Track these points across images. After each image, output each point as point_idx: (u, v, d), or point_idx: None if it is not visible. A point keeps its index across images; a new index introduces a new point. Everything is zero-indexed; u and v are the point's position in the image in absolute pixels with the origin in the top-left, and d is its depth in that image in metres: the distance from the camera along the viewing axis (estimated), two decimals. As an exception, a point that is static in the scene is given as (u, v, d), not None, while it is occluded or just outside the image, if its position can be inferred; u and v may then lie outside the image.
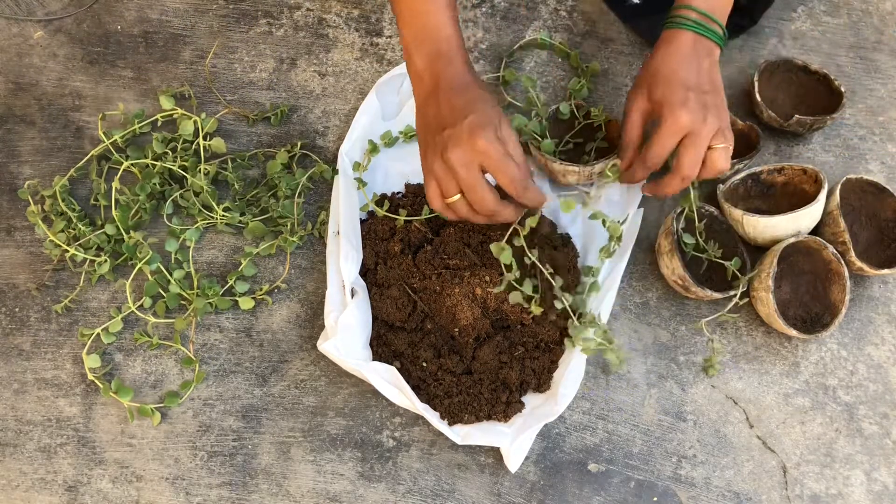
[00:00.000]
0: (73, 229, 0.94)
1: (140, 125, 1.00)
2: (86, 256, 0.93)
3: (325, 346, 0.85)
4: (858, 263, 0.91)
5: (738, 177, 0.96)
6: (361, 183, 0.94)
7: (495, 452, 0.87)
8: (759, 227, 0.91)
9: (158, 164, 0.96)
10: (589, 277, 0.90)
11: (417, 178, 0.99)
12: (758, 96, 0.99)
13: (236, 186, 0.97)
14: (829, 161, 1.02)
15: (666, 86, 0.83)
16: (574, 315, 0.86)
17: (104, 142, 0.98)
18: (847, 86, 1.06)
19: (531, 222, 0.84)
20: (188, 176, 0.96)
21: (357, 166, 0.96)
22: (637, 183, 0.90)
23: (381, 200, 0.96)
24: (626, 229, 0.95)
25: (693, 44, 0.85)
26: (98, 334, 0.91)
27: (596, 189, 0.97)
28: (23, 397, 0.90)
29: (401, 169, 0.99)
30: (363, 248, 0.92)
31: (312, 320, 0.93)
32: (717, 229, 0.95)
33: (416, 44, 0.82)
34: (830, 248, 0.90)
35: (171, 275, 0.93)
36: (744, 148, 0.98)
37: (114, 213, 0.94)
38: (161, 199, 0.97)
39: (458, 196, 0.78)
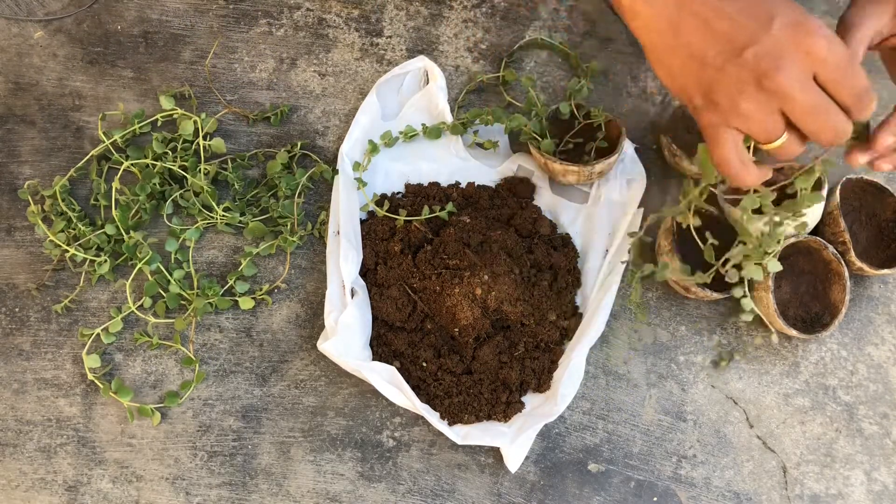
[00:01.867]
0: (73, 229, 0.94)
1: (140, 125, 1.00)
2: (86, 256, 0.93)
3: (325, 346, 0.85)
4: (858, 263, 0.91)
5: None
6: (361, 183, 0.94)
7: (495, 452, 0.87)
8: (759, 226, 0.90)
9: (158, 164, 0.96)
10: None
11: (417, 178, 0.99)
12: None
13: (236, 186, 0.97)
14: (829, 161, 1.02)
15: None
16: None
17: (104, 142, 0.98)
18: (847, 86, 1.05)
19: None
20: (188, 176, 0.96)
21: (357, 166, 0.96)
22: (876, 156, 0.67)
23: (381, 200, 0.96)
24: (625, 230, 0.95)
25: None
26: (98, 334, 0.91)
27: (596, 188, 0.98)
28: (23, 397, 0.90)
29: (401, 169, 0.99)
30: (363, 248, 0.92)
31: (312, 320, 0.93)
32: (717, 229, 0.95)
33: None
34: (830, 248, 0.90)
35: (171, 275, 0.93)
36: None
37: (114, 213, 0.94)
38: (161, 199, 0.97)
39: (786, 136, 0.58)
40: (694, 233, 0.74)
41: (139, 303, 0.92)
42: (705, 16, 0.56)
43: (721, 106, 0.58)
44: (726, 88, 0.57)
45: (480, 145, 1.00)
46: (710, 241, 0.75)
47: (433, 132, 0.98)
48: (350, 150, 0.96)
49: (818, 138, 0.58)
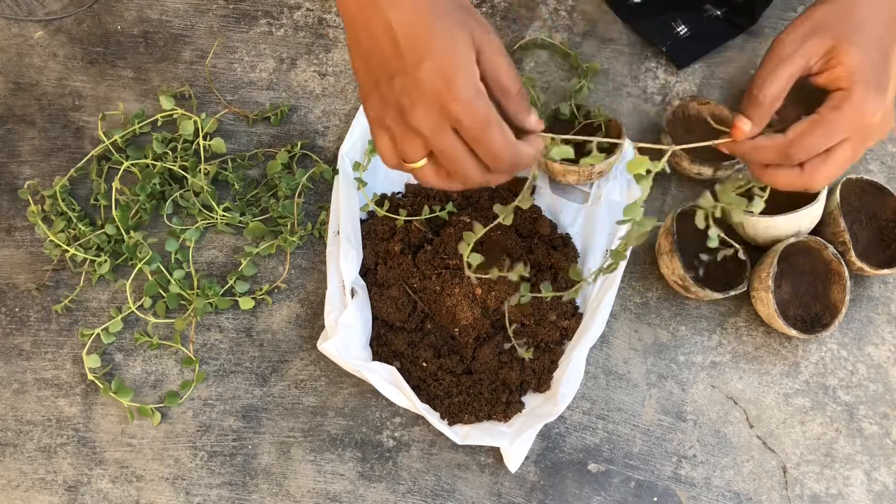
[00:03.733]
0: (73, 229, 0.94)
1: (140, 125, 1.00)
2: (86, 256, 0.93)
3: (325, 346, 0.85)
4: (858, 263, 0.91)
5: (739, 177, 0.96)
6: (361, 183, 0.94)
7: (495, 452, 0.87)
8: (759, 227, 0.91)
9: (158, 164, 0.96)
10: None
11: (417, 178, 0.99)
12: (758, 96, 0.99)
13: (236, 186, 0.97)
14: (829, 161, 1.02)
15: (858, 43, 0.60)
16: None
17: (104, 142, 0.98)
18: (847, 86, 1.06)
19: (523, 202, 0.66)
20: (188, 176, 0.96)
21: (357, 166, 0.96)
22: (753, 163, 0.67)
23: (381, 200, 0.96)
24: (625, 230, 0.95)
25: None
26: (98, 334, 0.91)
27: (596, 188, 0.97)
28: (23, 397, 0.90)
29: (401, 169, 0.99)
30: (363, 248, 0.92)
31: (312, 320, 0.93)
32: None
33: None
34: (830, 248, 0.90)
35: (171, 275, 0.93)
36: (744, 148, 0.98)
37: (114, 213, 0.94)
38: (161, 199, 0.97)
39: (424, 161, 0.59)
40: (713, 225, 0.69)
41: (139, 303, 0.92)
42: (376, 28, 0.55)
43: (371, 109, 0.59)
44: (376, 101, 0.58)
45: None
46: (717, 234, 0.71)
47: None
48: (350, 150, 0.96)
49: (456, 180, 0.59)
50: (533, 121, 0.60)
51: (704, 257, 0.91)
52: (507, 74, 0.57)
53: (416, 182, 0.98)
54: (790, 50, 0.63)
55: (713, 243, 0.68)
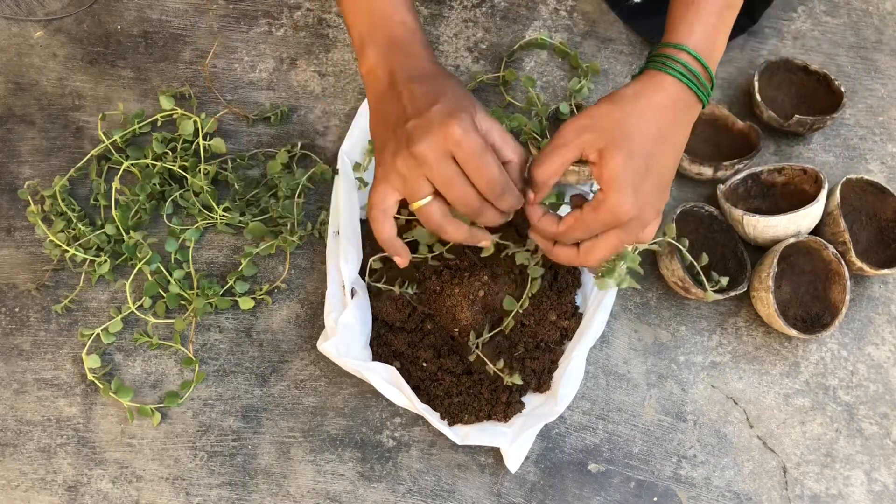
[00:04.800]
0: (73, 229, 0.94)
1: (140, 125, 1.00)
2: (86, 256, 0.93)
3: (325, 346, 0.85)
4: (858, 263, 0.91)
5: (738, 177, 0.96)
6: (362, 183, 0.94)
7: (495, 452, 0.87)
8: (759, 227, 0.91)
9: (158, 164, 0.96)
10: None
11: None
12: (758, 96, 0.99)
13: (236, 186, 0.97)
14: (829, 161, 1.02)
15: (624, 150, 0.68)
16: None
17: (104, 142, 0.98)
18: (847, 86, 1.06)
19: (485, 251, 0.76)
20: (188, 176, 0.96)
21: (357, 167, 0.96)
22: (541, 239, 0.78)
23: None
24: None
25: (675, 98, 0.71)
26: (98, 334, 0.91)
27: (597, 186, 0.97)
28: (23, 397, 0.90)
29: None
30: (363, 247, 0.92)
31: (312, 320, 0.93)
32: (717, 229, 0.95)
33: (367, 35, 0.72)
34: (830, 248, 0.90)
35: (171, 275, 0.93)
36: (744, 148, 0.98)
37: (114, 213, 0.94)
38: (161, 199, 0.97)
39: (430, 198, 0.68)
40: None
41: (139, 303, 0.92)
42: (399, 88, 0.69)
43: (384, 164, 0.70)
44: (390, 147, 0.69)
45: None
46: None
47: None
48: (350, 150, 0.96)
49: (457, 207, 0.69)
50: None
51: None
52: (501, 132, 0.70)
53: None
54: (568, 139, 0.70)
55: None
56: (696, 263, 0.81)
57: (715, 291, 0.89)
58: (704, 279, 0.83)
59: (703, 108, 0.75)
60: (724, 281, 0.82)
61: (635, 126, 0.69)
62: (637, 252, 0.74)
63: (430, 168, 0.66)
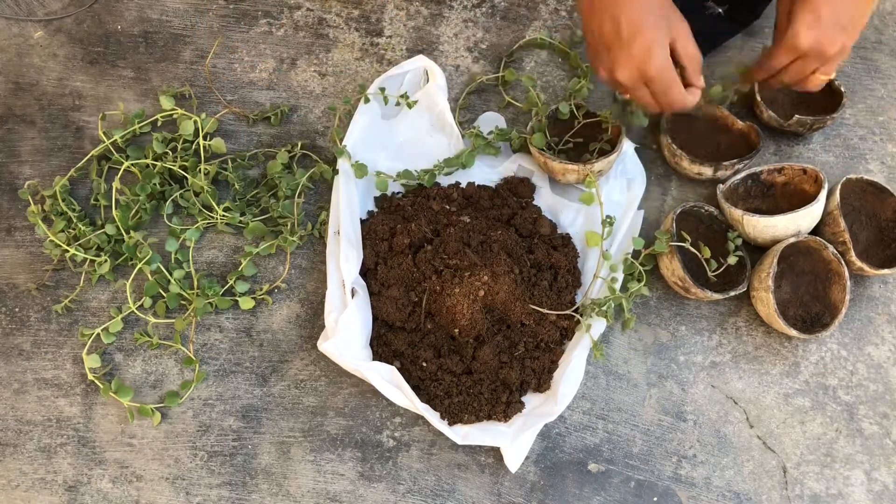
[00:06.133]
0: (73, 229, 0.94)
1: (140, 125, 1.00)
2: (86, 256, 0.93)
3: (325, 346, 0.85)
4: (858, 263, 0.91)
5: (738, 177, 0.96)
6: (360, 170, 0.94)
7: (495, 452, 0.87)
8: (759, 227, 0.91)
9: (158, 164, 0.96)
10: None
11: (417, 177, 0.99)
12: (758, 96, 0.99)
13: (236, 186, 0.97)
14: (829, 161, 1.02)
15: (804, 2, 0.83)
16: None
17: (104, 142, 0.98)
18: (847, 86, 1.06)
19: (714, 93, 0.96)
20: (188, 176, 0.96)
21: (358, 169, 0.96)
22: (752, 82, 0.95)
23: (381, 199, 0.96)
24: (626, 230, 0.95)
25: None
26: (98, 334, 0.91)
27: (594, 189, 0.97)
28: (23, 397, 0.90)
29: (400, 168, 0.99)
30: (363, 247, 0.92)
31: (312, 320, 0.93)
32: (717, 229, 0.95)
33: None
34: (830, 248, 0.90)
35: (171, 275, 0.93)
36: (744, 148, 0.98)
37: (114, 213, 0.94)
38: (161, 199, 0.97)
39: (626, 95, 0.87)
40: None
41: (139, 303, 0.92)
42: (602, 11, 0.82)
43: (595, 67, 0.87)
44: (598, 62, 0.85)
45: (489, 143, 0.99)
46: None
47: (469, 159, 0.98)
48: (350, 149, 0.96)
49: (642, 106, 0.88)
50: (699, 82, 0.85)
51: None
52: (690, 54, 0.83)
53: (416, 182, 0.98)
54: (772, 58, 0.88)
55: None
56: (699, 254, 0.87)
57: (715, 291, 0.89)
58: (707, 268, 0.88)
59: None
60: (733, 259, 0.90)
61: None
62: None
63: (626, 89, 0.84)
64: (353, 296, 0.88)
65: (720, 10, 1.07)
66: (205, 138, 0.98)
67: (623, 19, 0.80)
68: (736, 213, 0.92)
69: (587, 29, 0.86)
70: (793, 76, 0.88)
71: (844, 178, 0.94)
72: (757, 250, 0.95)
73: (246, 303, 0.92)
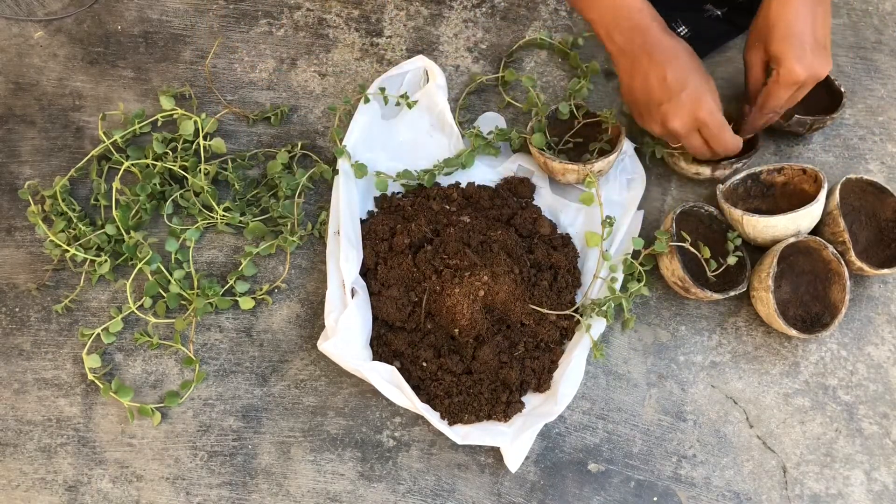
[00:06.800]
0: (74, 229, 0.94)
1: (140, 125, 1.00)
2: (86, 256, 0.93)
3: (325, 346, 0.85)
4: (858, 263, 0.91)
5: (738, 177, 0.96)
6: (360, 170, 0.94)
7: (495, 452, 0.87)
8: (759, 227, 0.91)
9: (159, 164, 0.96)
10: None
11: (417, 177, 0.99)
12: (758, 96, 0.99)
13: (236, 186, 0.97)
14: (828, 161, 1.02)
15: (782, 41, 0.85)
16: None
17: (104, 142, 0.98)
18: (847, 86, 1.06)
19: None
20: (188, 176, 0.96)
21: (358, 169, 0.96)
22: (754, 132, 0.96)
23: (382, 199, 0.96)
24: (626, 230, 0.95)
25: None
26: (98, 334, 0.91)
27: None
28: (23, 397, 0.90)
29: (400, 168, 0.99)
30: (363, 247, 0.92)
31: (312, 320, 0.93)
32: (717, 229, 0.95)
33: (612, 23, 0.87)
34: (830, 248, 0.90)
35: (171, 275, 0.93)
36: (744, 148, 0.98)
37: (114, 213, 0.94)
38: (161, 199, 0.97)
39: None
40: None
41: (139, 303, 0.92)
42: (646, 72, 0.87)
43: (646, 125, 0.91)
44: (647, 119, 0.90)
45: (489, 143, 0.99)
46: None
47: (469, 159, 0.98)
48: (350, 149, 0.96)
49: (695, 155, 0.92)
50: (746, 132, 0.95)
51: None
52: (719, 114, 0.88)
53: (415, 182, 0.98)
54: (749, 57, 0.93)
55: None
56: (698, 254, 0.89)
57: (715, 291, 0.89)
58: (707, 268, 0.89)
59: None
60: (733, 259, 0.91)
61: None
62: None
63: (680, 138, 0.88)
64: (353, 296, 0.88)
65: (719, 13, 1.07)
66: (205, 138, 0.98)
67: (669, 75, 0.85)
68: (736, 213, 0.92)
69: (629, 91, 0.89)
70: (790, 104, 0.90)
71: (844, 178, 0.94)
72: (757, 250, 0.95)
73: (246, 303, 0.92)
